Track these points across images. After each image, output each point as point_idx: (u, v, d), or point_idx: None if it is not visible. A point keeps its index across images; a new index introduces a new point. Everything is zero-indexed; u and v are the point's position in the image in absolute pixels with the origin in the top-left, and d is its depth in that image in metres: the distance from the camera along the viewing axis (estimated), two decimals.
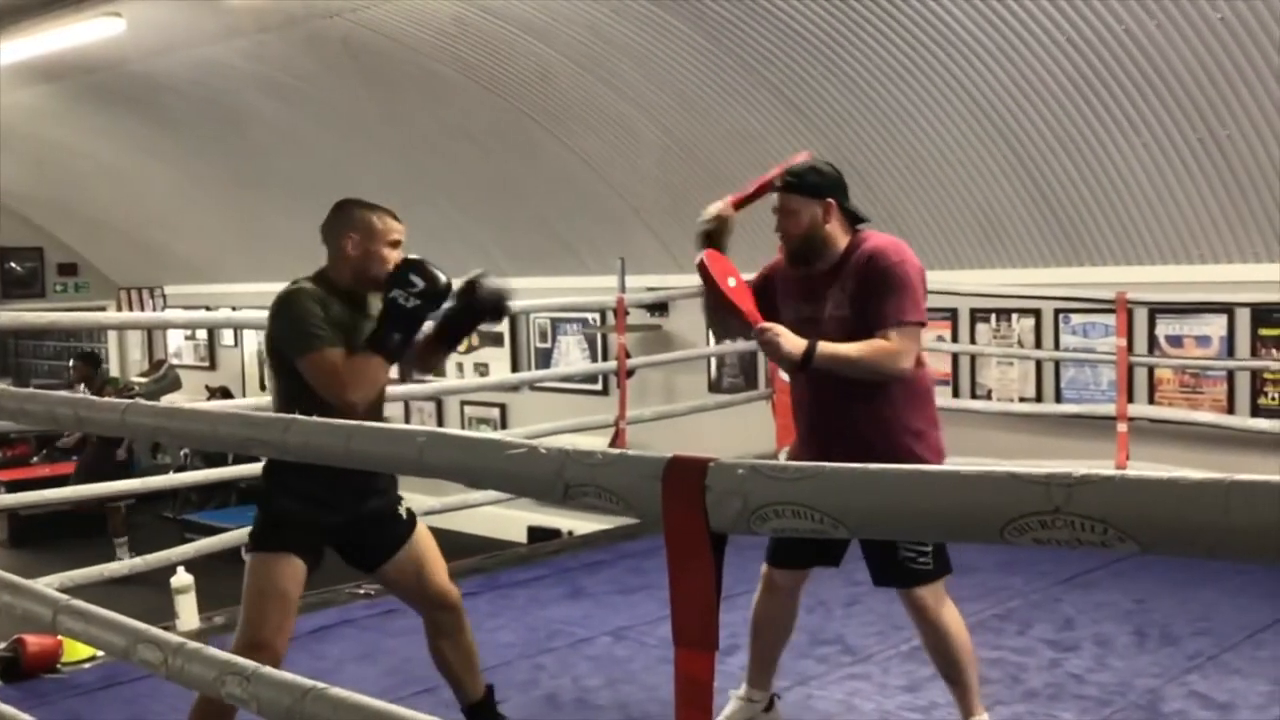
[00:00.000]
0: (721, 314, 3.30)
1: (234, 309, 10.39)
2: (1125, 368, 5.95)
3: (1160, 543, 1.05)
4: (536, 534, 8.51)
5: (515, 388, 9.09)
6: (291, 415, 1.74)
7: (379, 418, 3.16)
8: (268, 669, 1.81)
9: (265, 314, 5.30)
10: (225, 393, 11.06)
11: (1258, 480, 1.02)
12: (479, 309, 3.23)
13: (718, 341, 3.57)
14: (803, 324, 3.20)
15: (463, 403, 9.48)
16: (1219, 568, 4.95)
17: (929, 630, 3.24)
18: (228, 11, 7.41)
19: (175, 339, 12.96)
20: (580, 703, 3.89)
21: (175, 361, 12.42)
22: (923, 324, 3.15)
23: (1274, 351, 5.81)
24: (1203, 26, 5.16)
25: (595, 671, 4.14)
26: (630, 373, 6.91)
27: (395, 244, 3.08)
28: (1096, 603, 4.69)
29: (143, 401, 2.24)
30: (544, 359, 9.21)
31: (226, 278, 11.69)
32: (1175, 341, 6.09)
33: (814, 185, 3.21)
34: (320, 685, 1.73)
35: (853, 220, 3.26)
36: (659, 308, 7.99)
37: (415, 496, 7.23)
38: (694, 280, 8.36)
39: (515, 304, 5.80)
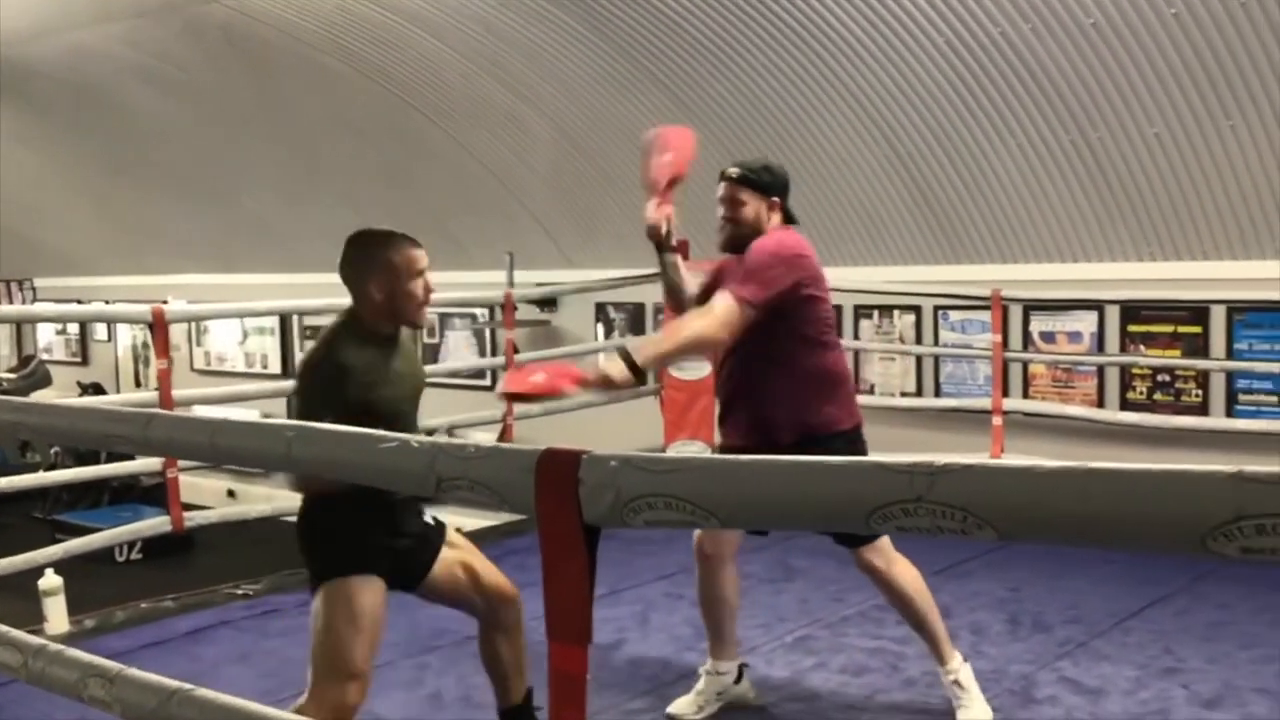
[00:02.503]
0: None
1: (107, 302, 10.08)
2: (1000, 363, 6.11)
3: (1018, 530, 1.08)
4: None
5: None
6: (154, 411, 1.68)
7: None
8: (132, 670, 1.75)
9: (139, 307, 5.18)
10: (98, 389, 10.72)
11: (1115, 468, 1.05)
12: None
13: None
14: None
15: None
16: (1088, 557, 5.11)
17: (885, 588, 3.48)
18: None
19: (46, 333, 12.51)
20: (465, 701, 3.85)
21: (45, 357, 12.00)
22: (750, 303, 3.17)
23: (1142, 347, 6.02)
24: (1075, 31, 5.32)
25: (480, 669, 4.07)
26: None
27: (419, 272, 2.91)
28: (972, 591, 4.80)
29: (3, 397, 2.14)
30: (432, 354, 9.11)
31: (100, 270, 11.32)
32: (1048, 338, 6.28)
33: (766, 184, 3.41)
34: (186, 686, 1.68)
35: (787, 220, 3.46)
36: (548, 303, 7.96)
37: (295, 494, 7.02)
38: (582, 275, 8.33)
39: None
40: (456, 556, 3.04)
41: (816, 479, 1.17)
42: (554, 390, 2.90)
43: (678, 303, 3.69)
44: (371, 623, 2.77)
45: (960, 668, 3.52)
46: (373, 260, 2.90)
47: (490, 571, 3.09)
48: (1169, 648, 4.12)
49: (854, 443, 3.41)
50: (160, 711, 1.65)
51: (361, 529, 2.83)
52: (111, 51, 8.12)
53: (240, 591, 5.00)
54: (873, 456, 1.18)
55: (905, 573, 3.46)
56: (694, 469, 1.25)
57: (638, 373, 3.00)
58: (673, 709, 3.61)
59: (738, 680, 3.65)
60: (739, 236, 3.40)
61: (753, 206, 3.38)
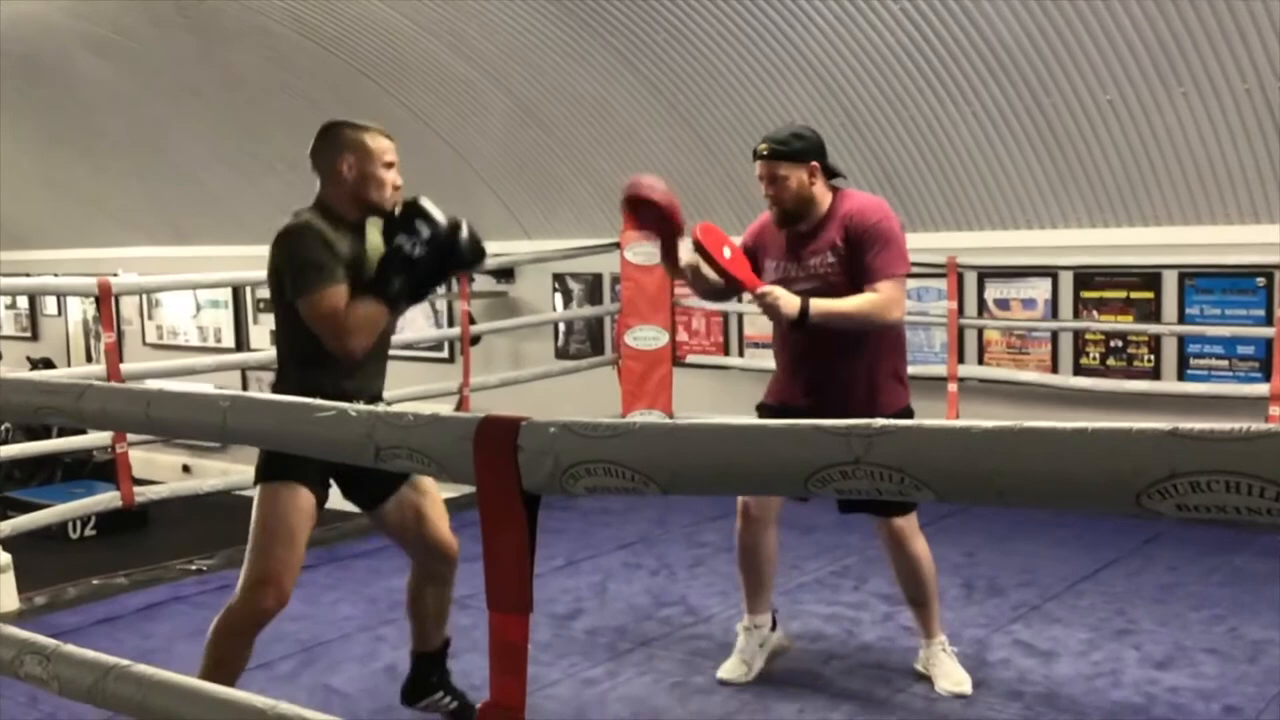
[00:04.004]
0: (716, 279, 3.45)
1: (56, 276, 9.93)
2: (955, 330, 6.14)
3: (955, 490, 1.07)
4: None
5: None
6: (88, 382, 1.64)
7: (383, 363, 3.09)
8: (69, 647, 1.72)
9: (86, 280, 5.09)
10: (48, 364, 10.58)
11: (1049, 427, 1.04)
12: (458, 262, 3.06)
13: (702, 297, 3.76)
14: (786, 280, 3.39)
15: None
16: (1042, 522, 5.16)
17: (902, 558, 3.49)
18: None
19: None
20: None
21: None
22: (907, 274, 3.36)
23: (1095, 313, 6.06)
24: None
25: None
26: (476, 339, 6.84)
27: (390, 165, 2.96)
28: None
29: None
30: None
31: (49, 244, 11.15)
32: (1003, 304, 6.31)
33: (800, 151, 3.38)
34: (124, 663, 1.65)
35: (830, 177, 3.43)
36: (505, 273, 7.92)
37: (248, 468, 6.98)
38: (539, 246, 8.27)
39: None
40: (414, 499, 3.06)
41: (755, 443, 1.16)
42: (732, 274, 3.31)
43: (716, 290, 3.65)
44: (288, 530, 2.80)
45: (945, 640, 3.59)
46: (347, 140, 2.95)
47: (440, 524, 3.11)
48: (1121, 610, 4.17)
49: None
50: (98, 688, 1.62)
51: None
52: (59, 21, 7.95)
53: (194, 567, 4.95)
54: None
55: (924, 548, 3.49)
56: (632, 434, 1.23)
57: (803, 319, 3.24)
58: (723, 673, 3.60)
59: (773, 628, 3.66)
60: (789, 212, 3.38)
61: (794, 178, 3.35)
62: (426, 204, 2.92)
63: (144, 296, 10.44)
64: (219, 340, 10.16)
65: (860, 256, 3.30)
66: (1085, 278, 6.05)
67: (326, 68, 7.65)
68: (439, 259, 2.90)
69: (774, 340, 3.59)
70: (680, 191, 7.22)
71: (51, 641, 1.74)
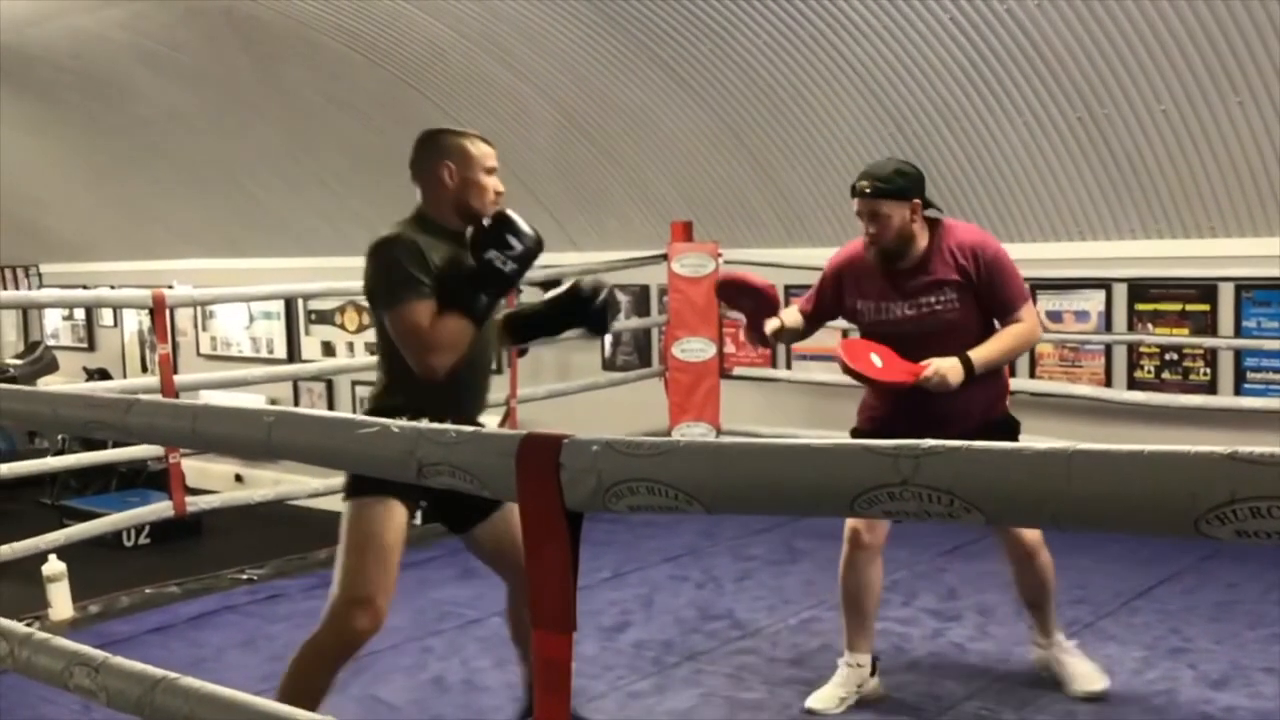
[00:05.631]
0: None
1: (113, 288, 10.09)
2: None
3: (1006, 513, 1.05)
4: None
5: None
6: (135, 397, 1.65)
7: (480, 380, 2.98)
8: (117, 659, 1.73)
9: (141, 292, 5.17)
10: (104, 374, 10.73)
11: (1098, 449, 1.02)
12: (582, 319, 3.06)
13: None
14: (889, 320, 3.36)
15: (354, 382, 9.32)
16: (1095, 537, 5.07)
17: (1026, 568, 3.48)
18: None
19: (53, 319, 12.53)
20: (468, 684, 3.84)
21: (52, 343, 12.02)
22: (1030, 297, 3.44)
23: (1150, 326, 5.96)
24: (1081, 7, 5.26)
25: (484, 653, 4.10)
26: (523, 351, 6.85)
27: (491, 170, 2.89)
28: (979, 573, 4.77)
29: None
30: None
31: (105, 256, 11.32)
32: (1055, 317, 6.22)
33: (903, 189, 3.29)
34: (171, 675, 1.66)
35: (927, 207, 3.37)
36: (552, 285, 7.91)
37: (299, 478, 7.04)
38: (588, 258, 8.27)
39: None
40: (512, 519, 2.91)
41: (800, 462, 1.14)
42: (891, 383, 3.24)
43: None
44: (382, 548, 2.69)
45: (1063, 637, 3.61)
46: (448, 146, 2.89)
47: None
48: (1176, 628, 4.09)
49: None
50: (145, 700, 1.63)
51: None
52: (113, 36, 8.09)
53: (245, 576, 5.00)
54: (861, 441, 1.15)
55: (1049, 557, 3.50)
56: (675, 453, 1.22)
57: (971, 376, 3.22)
58: (813, 703, 3.47)
59: (873, 673, 3.54)
60: (890, 251, 3.30)
61: (897, 216, 3.25)
62: (516, 217, 2.83)
63: (198, 308, 10.57)
64: (271, 351, 10.27)
65: (992, 292, 3.29)
66: (1139, 290, 5.95)
67: (374, 81, 7.71)
68: (528, 269, 2.84)
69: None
70: (728, 203, 7.24)
71: (100, 653, 1.75)
